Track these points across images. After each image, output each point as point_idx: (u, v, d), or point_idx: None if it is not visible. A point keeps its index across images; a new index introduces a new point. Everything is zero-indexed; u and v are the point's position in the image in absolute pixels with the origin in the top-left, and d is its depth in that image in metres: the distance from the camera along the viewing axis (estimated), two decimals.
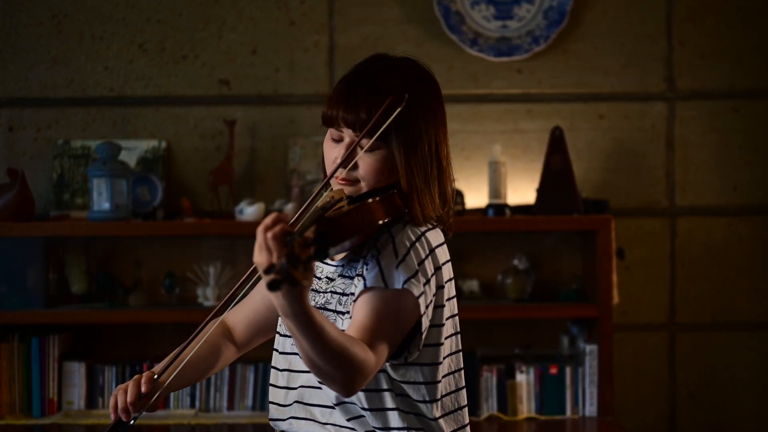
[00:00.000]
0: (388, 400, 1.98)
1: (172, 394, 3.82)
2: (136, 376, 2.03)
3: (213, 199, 3.98)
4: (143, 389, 2.00)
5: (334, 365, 1.77)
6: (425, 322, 1.94)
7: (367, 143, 1.96)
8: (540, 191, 3.86)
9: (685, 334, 4.11)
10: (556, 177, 3.83)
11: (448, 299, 2.03)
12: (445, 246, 2.04)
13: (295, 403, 2.06)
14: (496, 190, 3.91)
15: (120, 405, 2.00)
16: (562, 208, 3.81)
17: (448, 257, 2.05)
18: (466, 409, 2.09)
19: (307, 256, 1.61)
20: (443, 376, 2.03)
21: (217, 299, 3.90)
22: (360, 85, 1.99)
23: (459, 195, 3.90)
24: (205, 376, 2.18)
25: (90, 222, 3.81)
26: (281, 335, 2.12)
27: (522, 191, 4.06)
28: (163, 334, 4.02)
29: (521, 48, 4.05)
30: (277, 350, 2.13)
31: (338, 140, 2.01)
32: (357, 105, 1.97)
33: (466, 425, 2.08)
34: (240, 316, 2.22)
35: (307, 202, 1.98)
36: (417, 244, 1.95)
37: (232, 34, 4.09)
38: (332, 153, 2.02)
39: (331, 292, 2.01)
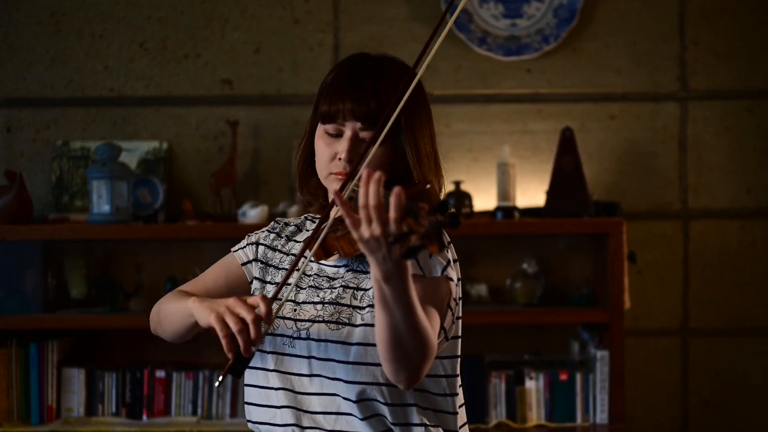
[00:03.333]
0: (408, 396, 1.96)
1: (173, 401, 3.86)
2: (249, 302, 1.85)
3: (215, 201, 3.97)
4: (269, 322, 1.84)
5: (418, 342, 1.77)
6: (459, 310, 1.98)
7: (369, 134, 1.97)
8: (550, 193, 3.86)
9: (698, 339, 4.11)
10: (566, 179, 3.83)
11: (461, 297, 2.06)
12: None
13: (286, 408, 2.00)
14: (504, 192, 3.91)
15: (243, 344, 1.82)
16: (573, 210, 3.81)
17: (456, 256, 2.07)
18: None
19: (428, 223, 1.62)
20: (459, 373, 2.05)
21: None
22: (364, 75, 2.00)
23: (467, 197, 3.91)
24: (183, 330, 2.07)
25: (90, 225, 3.81)
26: (282, 354, 2.04)
27: (531, 193, 4.05)
28: (165, 339, 3.96)
29: (531, 47, 4.04)
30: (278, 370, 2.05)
31: (336, 135, 2.01)
32: (365, 95, 1.97)
33: (466, 422, 2.11)
34: (199, 291, 2.15)
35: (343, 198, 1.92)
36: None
37: (234, 32, 4.09)
38: (331, 148, 2.01)
39: (342, 286, 1.99)
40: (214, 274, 2.17)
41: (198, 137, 4.09)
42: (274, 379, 2.01)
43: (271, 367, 2.02)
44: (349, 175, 1.96)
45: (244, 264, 2.14)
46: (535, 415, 3.81)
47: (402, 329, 1.75)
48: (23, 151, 4.09)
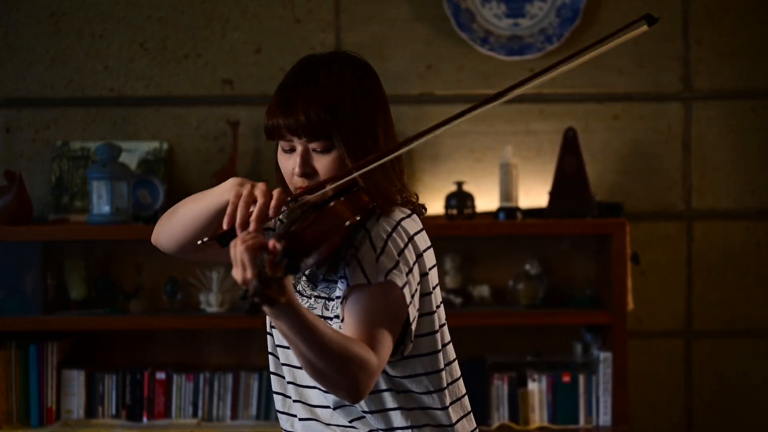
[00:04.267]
0: (389, 401, 1.97)
1: (173, 403, 3.87)
2: (265, 191, 1.88)
3: None
4: (271, 213, 1.86)
5: (338, 367, 1.77)
6: (413, 312, 1.93)
7: (318, 145, 1.96)
8: (552, 194, 3.85)
9: (702, 341, 4.09)
10: (569, 179, 3.83)
11: (434, 287, 2.03)
12: (424, 232, 2.04)
13: (297, 403, 2.04)
14: (507, 192, 3.90)
15: (240, 219, 1.85)
16: (576, 211, 3.80)
17: (429, 243, 2.04)
18: (467, 397, 2.11)
19: (278, 274, 1.64)
20: (446, 365, 2.03)
21: (220, 305, 3.90)
22: (294, 89, 1.98)
23: (469, 198, 3.89)
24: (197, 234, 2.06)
25: (89, 226, 3.80)
26: (282, 347, 2.08)
27: (534, 194, 4.04)
28: (165, 341, 4.03)
29: (533, 47, 4.03)
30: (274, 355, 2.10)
31: (290, 150, 1.99)
32: (295, 109, 1.94)
33: (470, 411, 2.11)
34: None
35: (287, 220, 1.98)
36: (394, 234, 1.94)
37: (235, 32, 4.08)
38: (288, 164, 2.00)
39: (316, 296, 2.00)
40: None
41: (198, 137, 4.08)
42: (285, 372, 2.06)
43: (281, 361, 2.07)
44: (313, 189, 1.95)
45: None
46: (538, 417, 3.81)
47: (312, 359, 1.76)
48: (23, 151, 4.08)
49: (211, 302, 3.89)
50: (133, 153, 4.02)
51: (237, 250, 1.69)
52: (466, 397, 2.10)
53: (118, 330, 3.93)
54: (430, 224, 3.73)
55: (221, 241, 1.86)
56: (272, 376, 2.11)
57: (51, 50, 4.07)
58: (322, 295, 1.99)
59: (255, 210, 1.85)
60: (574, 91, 4.06)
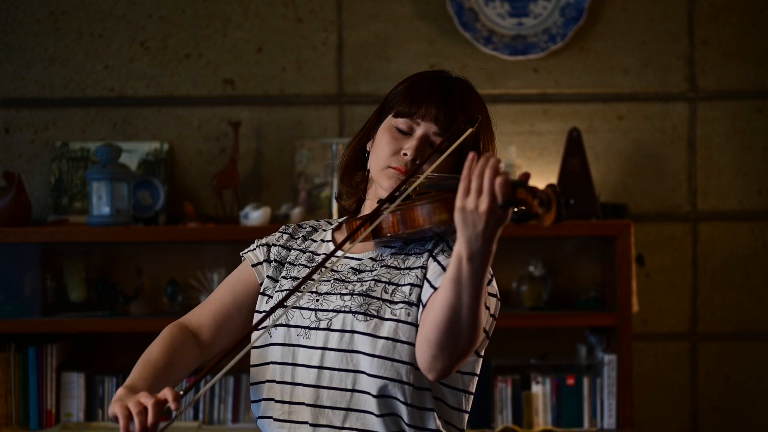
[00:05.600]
0: (428, 400, 1.97)
1: None
2: (150, 396, 1.84)
3: (217, 203, 3.95)
4: (173, 406, 1.82)
5: (472, 327, 1.77)
6: (497, 308, 2.00)
7: (439, 139, 2.03)
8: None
9: (708, 343, 4.09)
10: (573, 180, 3.83)
11: None
12: None
13: (306, 407, 2.00)
14: None
15: (138, 427, 1.81)
16: (580, 212, 3.80)
17: None
18: None
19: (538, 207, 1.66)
20: (473, 392, 2.06)
21: None
22: (452, 86, 2.07)
23: None
24: (173, 383, 2.06)
25: (89, 227, 3.79)
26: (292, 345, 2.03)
27: None
28: None
29: (537, 46, 4.04)
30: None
31: (407, 132, 2.05)
32: (453, 103, 2.04)
33: None
34: (205, 317, 2.15)
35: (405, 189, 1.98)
36: None
37: (237, 31, 4.07)
38: (396, 143, 2.04)
39: (375, 280, 2.00)
40: (221, 295, 2.17)
41: (199, 138, 4.08)
42: (287, 373, 2.02)
43: (283, 361, 2.03)
44: (409, 174, 2.00)
45: (254, 265, 2.14)
46: (542, 420, 3.80)
47: (464, 313, 1.75)
48: (22, 152, 4.08)
49: None
50: (133, 154, 4.01)
51: (489, 180, 1.67)
52: None
53: (118, 332, 3.91)
54: None
55: None
56: (266, 385, 2.05)
57: (50, 49, 4.07)
58: (382, 279, 1.99)
59: (150, 411, 1.80)
60: (579, 91, 4.07)
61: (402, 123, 2.05)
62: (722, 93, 4.07)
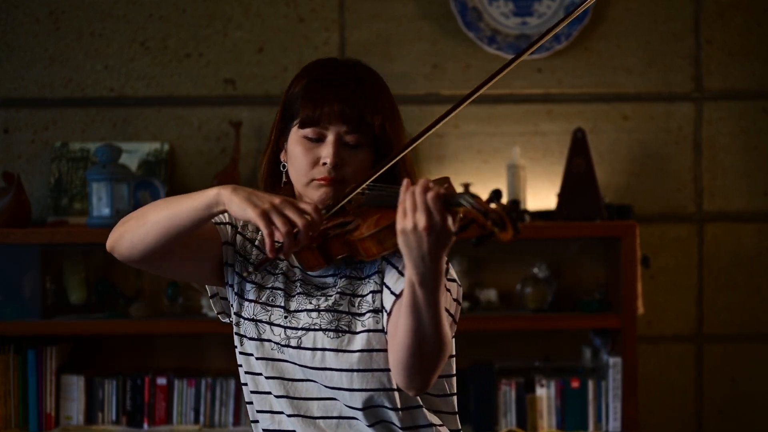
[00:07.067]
0: (414, 398, 1.96)
1: (174, 408, 3.85)
2: (298, 204, 1.86)
3: None
4: (315, 217, 1.85)
5: (439, 349, 1.78)
6: (458, 312, 1.99)
7: (353, 138, 1.98)
8: (561, 196, 3.84)
9: (713, 345, 4.09)
10: (577, 181, 3.82)
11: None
12: None
13: (294, 418, 1.98)
14: (515, 194, 3.90)
15: (287, 246, 1.83)
16: (584, 213, 3.79)
17: None
18: None
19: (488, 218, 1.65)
20: (455, 374, 2.06)
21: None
22: (348, 80, 2.00)
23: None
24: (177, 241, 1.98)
25: (89, 228, 3.79)
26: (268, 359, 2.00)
27: (542, 196, 4.04)
28: (166, 345, 4.03)
29: (542, 46, 4.00)
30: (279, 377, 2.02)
31: (317, 140, 1.99)
32: (353, 97, 1.97)
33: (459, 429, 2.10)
34: None
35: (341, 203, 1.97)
36: None
37: (238, 31, 4.07)
38: (312, 153, 1.98)
39: (339, 293, 1.97)
40: None
41: (200, 138, 4.07)
42: (271, 386, 1.99)
43: (266, 374, 2.00)
44: (335, 181, 1.96)
45: (224, 243, 2.06)
46: (546, 423, 3.80)
47: (427, 334, 1.75)
48: (21, 152, 4.08)
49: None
50: (133, 154, 4.01)
51: (421, 197, 1.67)
52: None
53: (118, 334, 3.92)
54: None
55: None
56: (253, 396, 2.02)
57: (50, 49, 4.07)
58: (347, 291, 1.97)
59: (301, 232, 1.83)
60: (583, 91, 4.06)
61: (310, 132, 1.98)
62: (728, 93, 4.06)
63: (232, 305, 2.05)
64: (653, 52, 4.06)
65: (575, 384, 3.78)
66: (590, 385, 3.77)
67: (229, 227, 2.06)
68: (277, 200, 1.84)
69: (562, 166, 3.89)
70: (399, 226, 1.68)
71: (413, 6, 4.05)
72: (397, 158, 1.96)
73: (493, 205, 1.64)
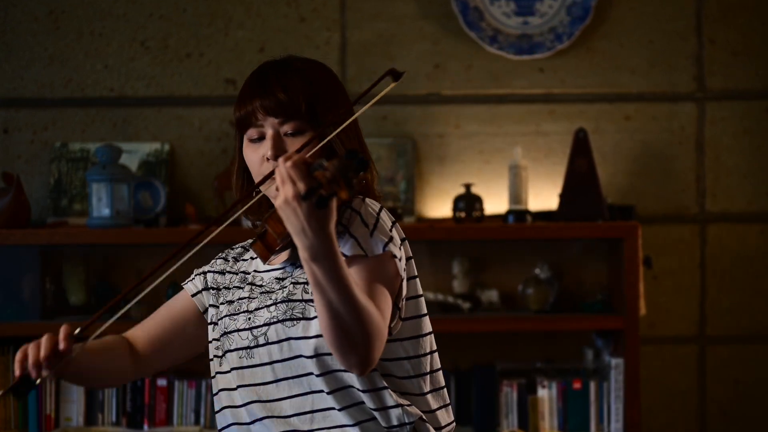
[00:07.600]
0: (378, 380, 1.97)
1: (174, 410, 3.85)
2: (49, 334, 1.92)
3: (219, 204, 3.95)
4: (61, 346, 1.89)
5: (360, 322, 1.78)
6: (404, 288, 1.97)
7: (291, 126, 2.00)
8: (563, 196, 3.84)
9: (716, 347, 4.09)
10: (580, 181, 3.82)
11: (416, 276, 2.07)
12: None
13: (267, 420, 1.98)
14: (516, 195, 3.90)
15: (31, 359, 1.87)
16: (587, 214, 3.79)
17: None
18: (446, 390, 2.13)
19: (334, 186, 1.67)
20: (430, 352, 2.06)
21: None
22: (268, 74, 2.04)
23: (478, 200, 3.89)
24: (99, 377, 2.13)
25: (89, 229, 3.79)
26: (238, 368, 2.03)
27: (544, 196, 4.03)
28: None
29: (543, 46, 4.03)
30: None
31: (259, 139, 2.02)
32: (272, 89, 2.00)
33: (449, 404, 2.11)
34: (141, 334, 2.18)
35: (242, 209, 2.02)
36: (382, 213, 2.00)
37: (239, 30, 4.07)
38: (257, 154, 2.02)
39: (293, 283, 2.00)
40: (159, 318, 2.20)
41: (201, 138, 4.07)
42: (241, 397, 2.01)
43: (235, 386, 2.02)
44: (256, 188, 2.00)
45: (194, 295, 2.17)
46: (548, 424, 3.80)
47: (341, 310, 1.77)
48: (20, 152, 4.07)
49: None
50: (133, 154, 4.01)
51: (283, 167, 1.71)
52: (446, 390, 2.12)
53: None
54: (438, 227, 3.76)
55: (17, 393, 1.88)
56: (225, 410, 2.06)
57: (49, 49, 4.07)
58: (300, 280, 1.99)
59: (42, 346, 1.88)
60: (585, 91, 4.06)
61: (253, 133, 2.02)
62: (731, 93, 4.06)
63: (210, 341, 2.12)
64: (656, 51, 4.05)
65: (577, 385, 3.78)
66: (592, 386, 3.77)
67: (197, 278, 2.17)
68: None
69: (564, 167, 3.88)
70: (276, 201, 1.73)
71: (414, 6, 4.04)
72: (324, 141, 1.96)
73: (328, 166, 1.66)
